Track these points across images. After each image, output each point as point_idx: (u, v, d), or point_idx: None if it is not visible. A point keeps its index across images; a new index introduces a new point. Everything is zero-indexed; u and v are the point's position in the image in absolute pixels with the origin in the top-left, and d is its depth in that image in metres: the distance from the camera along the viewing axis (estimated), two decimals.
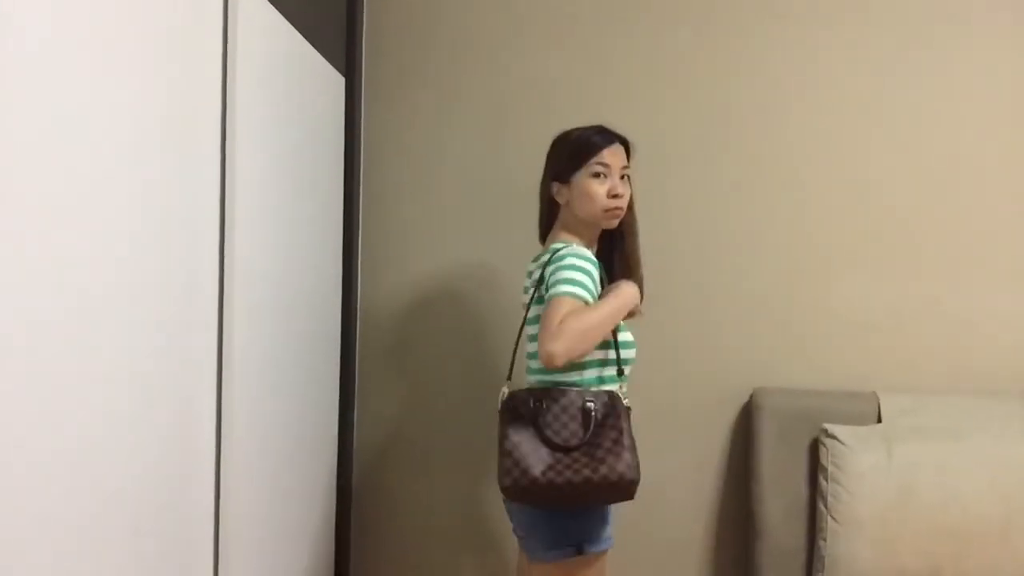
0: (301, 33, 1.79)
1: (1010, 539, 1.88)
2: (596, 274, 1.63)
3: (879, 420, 2.07)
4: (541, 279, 1.66)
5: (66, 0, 0.97)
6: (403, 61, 2.31)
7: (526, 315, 1.72)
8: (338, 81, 2.13)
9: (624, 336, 1.69)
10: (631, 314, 1.72)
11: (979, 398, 2.10)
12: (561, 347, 1.50)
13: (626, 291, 1.64)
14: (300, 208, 1.84)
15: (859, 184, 2.22)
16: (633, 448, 1.58)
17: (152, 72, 1.17)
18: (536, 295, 1.67)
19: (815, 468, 2.06)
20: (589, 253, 1.66)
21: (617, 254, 1.79)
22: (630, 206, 1.76)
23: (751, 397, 2.18)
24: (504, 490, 1.57)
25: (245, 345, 1.50)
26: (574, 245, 1.67)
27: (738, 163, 2.24)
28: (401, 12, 2.31)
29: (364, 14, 2.30)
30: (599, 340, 1.59)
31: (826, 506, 1.98)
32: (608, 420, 1.58)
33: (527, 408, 1.60)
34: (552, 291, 1.58)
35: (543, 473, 1.52)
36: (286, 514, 1.80)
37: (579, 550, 1.60)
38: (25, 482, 0.92)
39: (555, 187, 1.75)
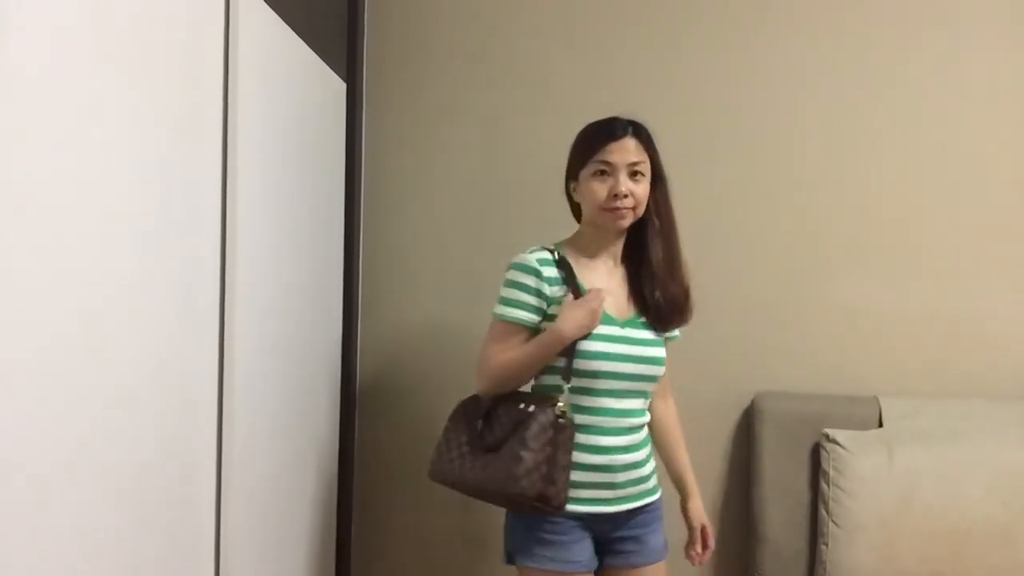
0: (302, 39, 1.80)
1: (1011, 543, 1.88)
2: (535, 283, 1.59)
3: (880, 424, 2.07)
4: None
5: (67, 9, 0.98)
6: (404, 67, 2.32)
7: None
8: (339, 87, 2.14)
9: (588, 345, 1.58)
10: (669, 323, 1.67)
11: (980, 402, 2.10)
12: (482, 386, 1.62)
13: (552, 334, 1.55)
14: (301, 213, 1.85)
15: (860, 188, 2.22)
16: (539, 465, 1.48)
17: (154, 78, 1.18)
18: None
19: (816, 472, 2.05)
20: (532, 260, 1.60)
21: (644, 258, 1.66)
22: (658, 204, 1.65)
23: (752, 402, 2.18)
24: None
25: (246, 347, 1.50)
26: (532, 250, 1.63)
27: (738, 165, 2.24)
28: (402, 18, 2.32)
29: (365, 20, 2.31)
30: (525, 377, 1.62)
31: (827, 510, 1.98)
32: (518, 427, 1.53)
33: (475, 408, 1.64)
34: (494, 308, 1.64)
35: (441, 468, 1.61)
36: (287, 515, 1.80)
37: (510, 559, 1.64)
38: (26, 482, 0.92)
39: (572, 185, 1.67)
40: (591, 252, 1.67)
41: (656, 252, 1.65)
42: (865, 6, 2.22)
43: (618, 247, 1.68)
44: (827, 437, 2.02)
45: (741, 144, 2.24)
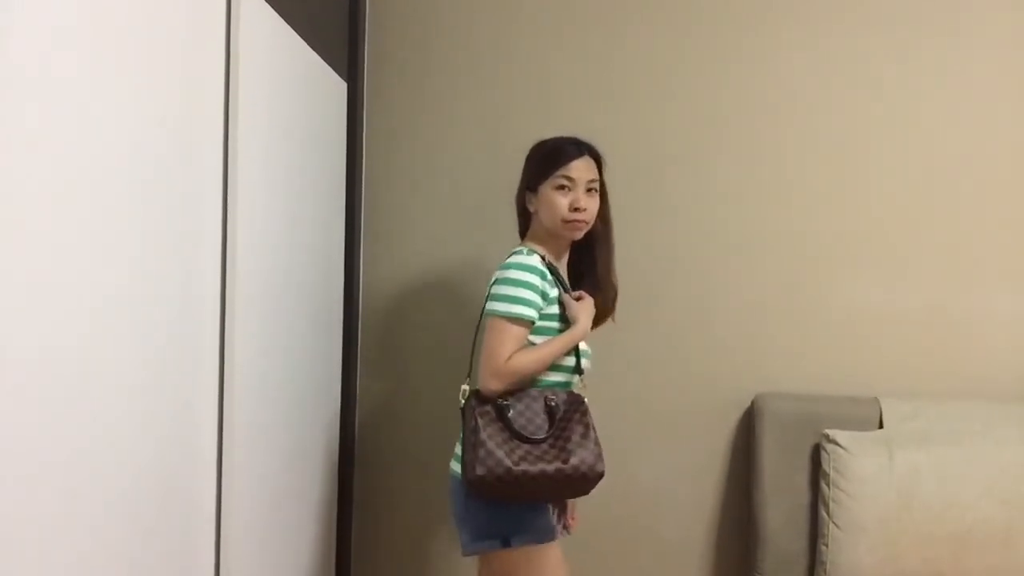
0: (304, 38, 1.80)
1: (1011, 544, 1.88)
2: (540, 283, 1.65)
3: (880, 425, 2.06)
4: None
5: (67, 9, 0.98)
6: (404, 67, 2.32)
7: (480, 319, 1.72)
8: (340, 86, 2.14)
9: (584, 345, 1.73)
10: (601, 320, 1.78)
11: (980, 403, 2.10)
12: (500, 385, 1.61)
13: (577, 331, 1.67)
14: (302, 212, 1.85)
15: (860, 189, 2.22)
16: (598, 442, 1.63)
17: (155, 77, 1.18)
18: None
19: (817, 473, 2.05)
20: (536, 261, 1.67)
21: (586, 264, 1.80)
22: (605, 218, 1.77)
23: (753, 402, 2.18)
24: (473, 481, 1.55)
25: (247, 347, 1.50)
26: (525, 253, 1.69)
27: (738, 167, 2.24)
28: (403, 18, 2.32)
29: (366, 20, 2.31)
30: (540, 374, 1.67)
31: (828, 511, 1.98)
32: (574, 415, 1.63)
33: (493, 404, 1.62)
34: (492, 308, 1.64)
35: (516, 463, 1.55)
36: (287, 515, 1.80)
37: (505, 542, 1.61)
38: (26, 483, 0.92)
39: (527, 195, 1.77)
40: (554, 257, 1.76)
41: (602, 258, 1.79)
42: (864, 8, 2.22)
43: (567, 254, 1.80)
44: (827, 438, 2.02)
45: (740, 145, 2.24)
